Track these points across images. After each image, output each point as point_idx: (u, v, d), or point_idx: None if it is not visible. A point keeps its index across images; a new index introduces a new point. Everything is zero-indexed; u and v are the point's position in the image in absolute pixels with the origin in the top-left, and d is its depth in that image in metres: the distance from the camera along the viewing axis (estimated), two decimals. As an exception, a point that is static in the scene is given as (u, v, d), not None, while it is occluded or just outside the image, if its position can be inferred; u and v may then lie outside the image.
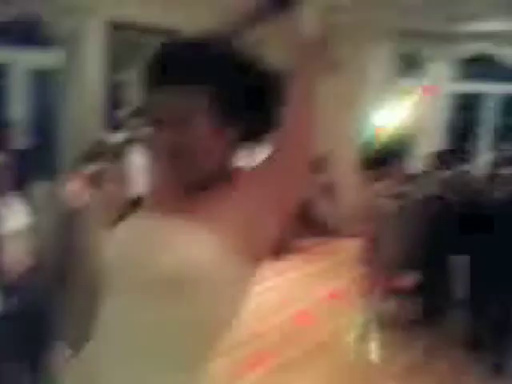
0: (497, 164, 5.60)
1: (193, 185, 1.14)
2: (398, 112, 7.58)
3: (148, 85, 1.10)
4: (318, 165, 7.72)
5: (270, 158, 1.11)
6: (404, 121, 7.62)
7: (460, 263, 4.84)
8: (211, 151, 1.10)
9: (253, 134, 1.16)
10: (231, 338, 1.15)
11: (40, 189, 3.64)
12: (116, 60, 6.03)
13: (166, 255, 1.01)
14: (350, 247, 6.03)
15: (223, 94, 1.08)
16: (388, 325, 4.75)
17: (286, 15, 1.22)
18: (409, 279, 5.42)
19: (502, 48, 7.35)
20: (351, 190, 7.36)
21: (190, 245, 1.02)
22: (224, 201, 1.10)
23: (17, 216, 2.99)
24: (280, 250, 6.22)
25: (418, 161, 6.90)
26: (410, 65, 8.17)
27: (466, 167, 5.74)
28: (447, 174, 5.09)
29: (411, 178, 5.19)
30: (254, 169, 1.15)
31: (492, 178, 5.11)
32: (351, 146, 7.60)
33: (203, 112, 1.07)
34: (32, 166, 4.40)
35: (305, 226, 7.62)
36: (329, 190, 7.92)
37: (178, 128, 1.07)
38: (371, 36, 7.65)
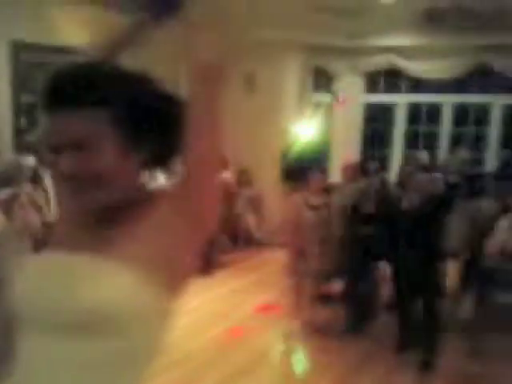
0: (408, 170, 5.85)
1: (102, 212, 1.09)
2: (313, 124, 7.77)
3: (45, 109, 1.05)
4: (243, 178, 7.79)
5: (180, 182, 1.08)
6: (319, 133, 7.82)
7: (383, 269, 5.01)
8: (116, 176, 1.06)
9: (160, 157, 1.14)
10: (163, 358, 1.11)
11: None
12: (27, 81, 5.81)
13: (80, 296, 0.97)
14: (277, 259, 6.12)
15: (124, 116, 1.05)
16: (321, 333, 4.83)
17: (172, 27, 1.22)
18: (335, 287, 5.54)
19: (407, 61, 7.72)
20: (275, 202, 7.48)
21: (104, 284, 0.98)
22: (136, 230, 1.06)
23: None
24: (208, 266, 6.22)
25: (334, 171, 7.08)
26: (322, 78, 8.42)
27: (381, 175, 5.95)
28: (364, 183, 5.23)
29: (329, 189, 5.30)
30: (165, 193, 1.11)
31: (404, 184, 5.31)
32: (272, 159, 7.72)
33: (104, 135, 1.04)
34: None
35: (232, 240, 7.66)
36: (254, 202, 7.97)
37: (78, 153, 1.03)
38: (284, 52, 7.81)
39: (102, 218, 1.09)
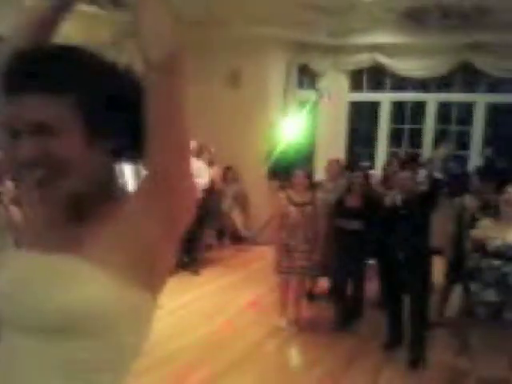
0: (392, 168, 5.89)
1: (71, 209, 1.06)
2: (299, 122, 7.78)
3: (7, 90, 1.00)
4: (229, 175, 7.78)
5: (147, 180, 1.02)
6: (304, 130, 7.83)
7: (371, 267, 5.02)
8: (79, 164, 1.01)
9: (129, 148, 1.08)
10: (152, 356, 1.11)
11: None
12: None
13: (60, 297, 0.95)
14: (264, 256, 6.13)
15: (89, 102, 1.01)
16: (309, 329, 4.84)
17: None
18: (322, 284, 5.56)
19: (390, 59, 7.75)
20: (261, 199, 7.49)
21: (83, 285, 0.97)
22: (106, 229, 1.02)
23: None
24: (194, 264, 6.22)
25: (319, 169, 7.09)
26: (307, 76, 8.43)
27: (365, 171, 5.95)
28: (347, 178, 5.24)
29: (314, 186, 5.30)
30: (137, 187, 1.06)
31: (388, 181, 5.33)
32: (257, 156, 7.73)
33: (67, 120, 0.99)
34: None
35: (218, 237, 7.66)
36: (240, 200, 7.97)
37: (39, 136, 0.98)
38: (269, 49, 7.81)
39: (72, 215, 1.06)
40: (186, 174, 1.02)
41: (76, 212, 1.06)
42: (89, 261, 0.98)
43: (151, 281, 1.04)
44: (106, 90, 1.02)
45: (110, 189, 1.08)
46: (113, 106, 1.02)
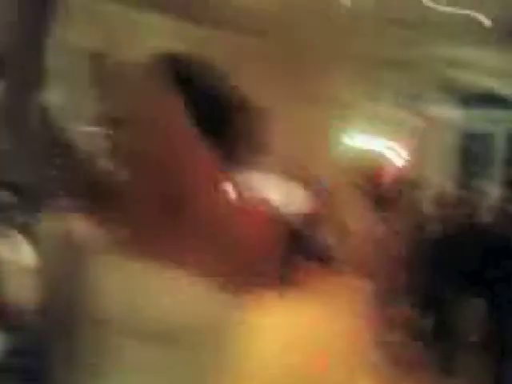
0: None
1: (171, 205, 1.05)
2: (401, 145, 7.63)
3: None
4: (323, 199, 7.64)
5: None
6: (407, 154, 7.65)
7: (475, 305, 4.60)
8: (187, 164, 1.03)
9: (233, 154, 1.08)
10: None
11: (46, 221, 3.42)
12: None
13: (160, 305, 0.98)
14: (354, 282, 5.93)
15: (201, 104, 1.03)
16: (406, 367, 4.50)
17: None
18: (409, 314, 5.15)
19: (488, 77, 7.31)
20: (355, 222, 7.28)
21: (182, 293, 0.99)
22: (203, 235, 1.03)
23: (21, 250, 2.73)
24: (281, 284, 6.13)
25: (422, 193, 6.82)
26: (404, 95, 8.09)
27: (473, 202, 5.59)
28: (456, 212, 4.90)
29: (416, 210, 5.05)
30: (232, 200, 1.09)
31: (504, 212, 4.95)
32: (350, 178, 7.54)
33: (177, 117, 1.02)
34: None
35: (308, 261, 7.45)
36: (333, 223, 7.82)
37: (146, 129, 1.01)
38: (367, 68, 7.57)
39: (163, 222, 1.05)
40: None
41: (167, 218, 1.06)
42: (184, 271, 1.00)
43: (237, 298, 1.04)
44: (219, 97, 1.05)
45: (207, 193, 1.08)
46: (223, 114, 1.05)
